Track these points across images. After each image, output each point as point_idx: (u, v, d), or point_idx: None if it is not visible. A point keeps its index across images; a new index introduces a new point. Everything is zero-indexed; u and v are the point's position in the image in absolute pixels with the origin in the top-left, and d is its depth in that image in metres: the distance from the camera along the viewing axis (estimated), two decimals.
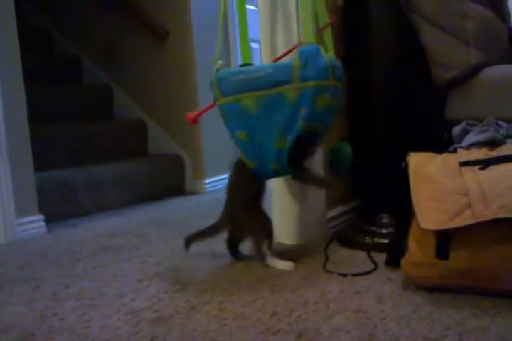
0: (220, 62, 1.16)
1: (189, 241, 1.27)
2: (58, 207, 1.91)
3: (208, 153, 2.49)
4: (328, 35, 1.22)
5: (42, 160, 1.92)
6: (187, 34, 2.41)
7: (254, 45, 2.78)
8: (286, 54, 1.24)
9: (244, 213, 1.20)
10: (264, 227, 1.19)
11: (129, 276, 1.19)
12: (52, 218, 1.86)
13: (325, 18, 1.22)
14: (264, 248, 1.17)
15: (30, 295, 1.10)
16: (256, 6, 1.42)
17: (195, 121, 1.24)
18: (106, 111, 2.68)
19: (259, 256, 1.18)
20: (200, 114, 1.25)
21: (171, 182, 2.43)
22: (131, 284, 1.13)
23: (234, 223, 1.22)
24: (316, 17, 1.21)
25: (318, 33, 1.23)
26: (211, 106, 1.23)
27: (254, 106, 1.10)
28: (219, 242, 1.46)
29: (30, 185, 1.73)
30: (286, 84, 1.07)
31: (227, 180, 1.24)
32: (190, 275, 1.17)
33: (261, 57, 1.39)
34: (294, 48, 1.21)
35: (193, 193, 2.43)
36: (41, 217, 1.75)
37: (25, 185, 1.72)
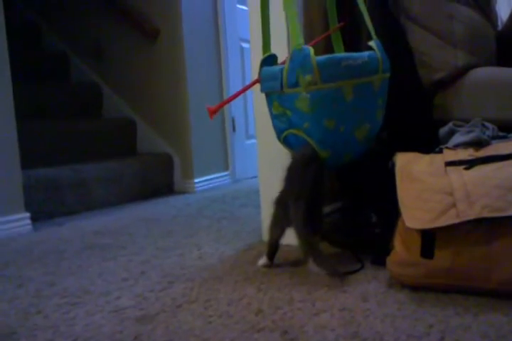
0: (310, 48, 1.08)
1: (327, 266, 1.07)
2: (45, 206, 1.90)
3: (197, 152, 2.49)
4: (337, 39, 1.22)
5: (29, 157, 1.91)
6: (177, 33, 2.41)
7: (246, 45, 2.78)
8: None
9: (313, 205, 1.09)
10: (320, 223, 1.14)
11: (114, 275, 1.18)
12: (39, 216, 1.84)
13: (334, 22, 1.22)
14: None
15: (14, 292, 1.09)
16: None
17: (214, 113, 1.16)
18: (94, 109, 2.67)
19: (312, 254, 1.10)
20: (221, 106, 1.17)
21: (159, 181, 2.42)
22: (116, 282, 1.13)
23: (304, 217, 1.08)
24: (321, 20, 1.21)
25: (326, 37, 1.24)
26: (231, 99, 1.18)
27: (351, 93, 1.08)
28: (206, 241, 1.46)
29: (16, 182, 1.71)
30: (375, 74, 1.11)
31: (288, 175, 1.11)
32: (176, 273, 1.17)
33: (251, 57, 1.39)
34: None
35: (182, 192, 2.42)
36: (27, 215, 1.74)
37: (12, 182, 1.70)
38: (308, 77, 1.05)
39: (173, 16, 2.41)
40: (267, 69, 1.15)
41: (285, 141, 1.16)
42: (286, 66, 1.08)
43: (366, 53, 1.11)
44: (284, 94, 1.10)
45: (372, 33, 1.17)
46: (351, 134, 1.11)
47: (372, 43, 1.15)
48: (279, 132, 1.16)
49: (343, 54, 1.11)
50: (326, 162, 1.13)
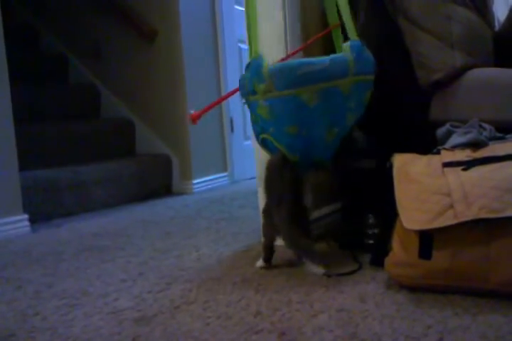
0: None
1: (324, 266, 1.11)
2: (43, 207, 1.90)
3: (195, 153, 2.49)
4: (338, 38, 1.22)
5: (27, 159, 1.91)
6: (175, 34, 2.41)
7: (244, 46, 2.79)
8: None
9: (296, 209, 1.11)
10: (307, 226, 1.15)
11: (113, 276, 1.18)
12: (37, 218, 1.84)
13: (335, 19, 1.22)
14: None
15: (12, 294, 1.09)
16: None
17: (197, 119, 1.17)
18: (93, 110, 2.67)
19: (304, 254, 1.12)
20: (204, 112, 1.19)
21: (158, 182, 2.42)
22: (115, 284, 1.13)
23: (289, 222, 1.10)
24: (322, 16, 1.21)
25: (324, 35, 1.24)
26: (214, 105, 1.20)
27: (313, 99, 1.06)
28: (205, 243, 1.46)
29: (14, 184, 1.71)
30: (343, 77, 1.08)
31: (266, 185, 1.13)
32: (174, 275, 1.17)
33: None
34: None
35: (180, 193, 2.42)
36: (25, 216, 1.74)
37: (10, 184, 1.70)
38: (262, 86, 1.07)
39: (171, 17, 2.41)
40: (244, 75, 1.16)
41: (263, 144, 1.18)
42: (246, 75, 1.10)
43: (329, 57, 1.09)
44: (250, 101, 1.12)
45: (351, 32, 1.15)
46: (319, 137, 1.11)
47: (346, 44, 1.12)
48: (256, 135, 1.19)
49: (299, 60, 1.09)
50: (297, 164, 1.13)
